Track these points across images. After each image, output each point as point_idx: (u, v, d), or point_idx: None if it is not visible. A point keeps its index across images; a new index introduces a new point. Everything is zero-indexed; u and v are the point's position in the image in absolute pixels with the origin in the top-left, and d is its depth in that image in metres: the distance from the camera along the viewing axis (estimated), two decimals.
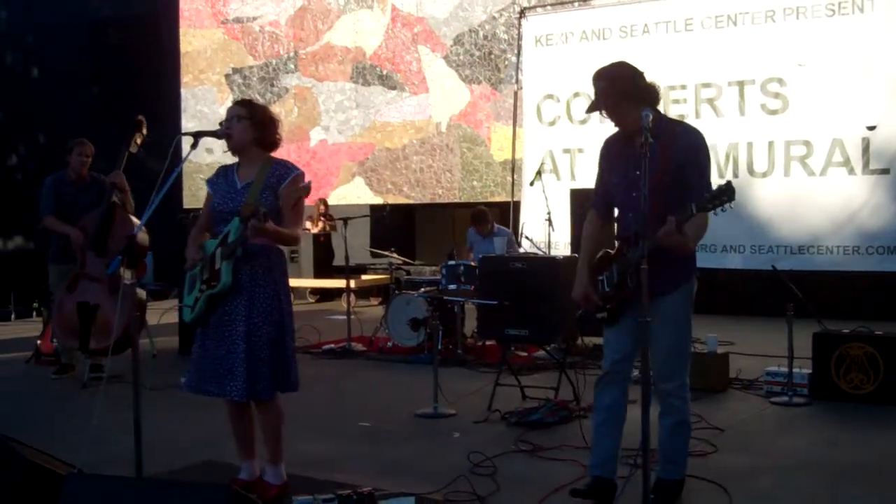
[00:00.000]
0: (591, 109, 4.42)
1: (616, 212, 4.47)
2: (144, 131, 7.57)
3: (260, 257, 4.51)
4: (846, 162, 10.51)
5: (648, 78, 4.33)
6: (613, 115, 4.30)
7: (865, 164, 10.41)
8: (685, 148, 4.14)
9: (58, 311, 7.58)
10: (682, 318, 4.24)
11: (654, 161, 3.98)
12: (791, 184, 10.84)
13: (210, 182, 4.75)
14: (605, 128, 13.27)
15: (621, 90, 4.21)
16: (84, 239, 7.40)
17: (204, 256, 4.54)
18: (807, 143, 10.70)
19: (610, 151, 4.48)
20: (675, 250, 4.04)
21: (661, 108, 12.15)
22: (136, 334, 4.18)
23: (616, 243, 4.42)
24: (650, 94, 4.24)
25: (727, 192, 3.82)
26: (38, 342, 8.76)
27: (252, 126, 4.57)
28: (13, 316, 13.82)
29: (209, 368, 4.50)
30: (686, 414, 4.39)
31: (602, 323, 4.38)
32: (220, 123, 4.65)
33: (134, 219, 7.50)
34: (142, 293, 7.57)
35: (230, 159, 4.75)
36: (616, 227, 4.49)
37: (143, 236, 7.48)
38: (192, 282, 4.61)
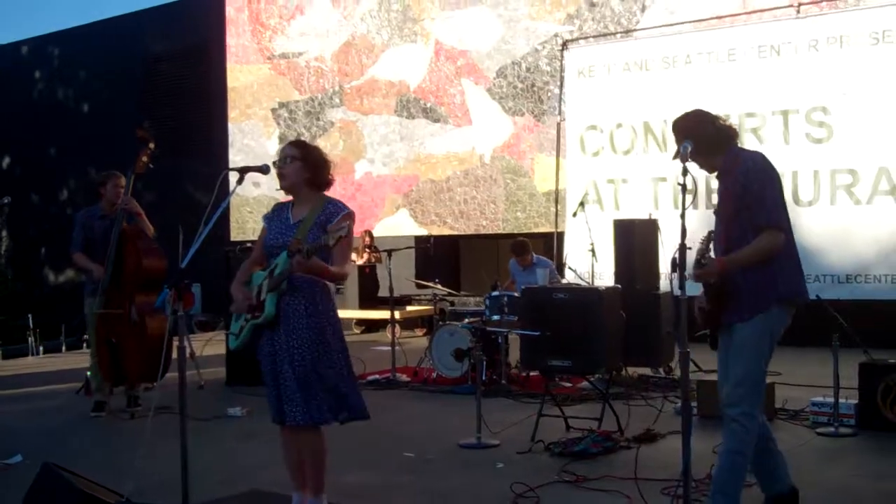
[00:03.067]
0: (675, 157, 4.50)
1: None
2: (151, 146, 7.66)
3: (304, 290, 4.58)
4: (893, 190, 10.42)
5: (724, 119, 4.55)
6: (696, 161, 4.47)
7: None
8: (742, 176, 4.26)
9: (94, 347, 7.79)
10: (750, 348, 4.30)
11: (724, 195, 4.38)
12: (837, 213, 10.75)
13: (266, 218, 4.87)
14: (648, 159, 13.35)
15: (693, 140, 4.37)
16: (103, 274, 7.59)
17: (251, 286, 4.64)
18: (852, 172, 10.62)
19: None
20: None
21: None
22: (184, 365, 4.25)
23: None
24: (725, 136, 4.47)
25: None
26: (88, 374, 8.89)
27: (304, 167, 4.67)
28: (64, 348, 14.04)
29: (270, 396, 4.62)
30: (743, 445, 4.29)
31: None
32: (274, 163, 4.76)
33: (148, 244, 7.68)
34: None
35: (277, 193, 4.84)
36: None
37: (157, 263, 7.67)
38: None
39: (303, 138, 12.11)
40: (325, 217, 4.61)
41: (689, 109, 4.60)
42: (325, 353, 4.58)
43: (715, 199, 11.25)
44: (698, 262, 4.27)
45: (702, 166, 4.52)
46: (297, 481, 4.79)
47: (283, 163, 4.68)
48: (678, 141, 4.46)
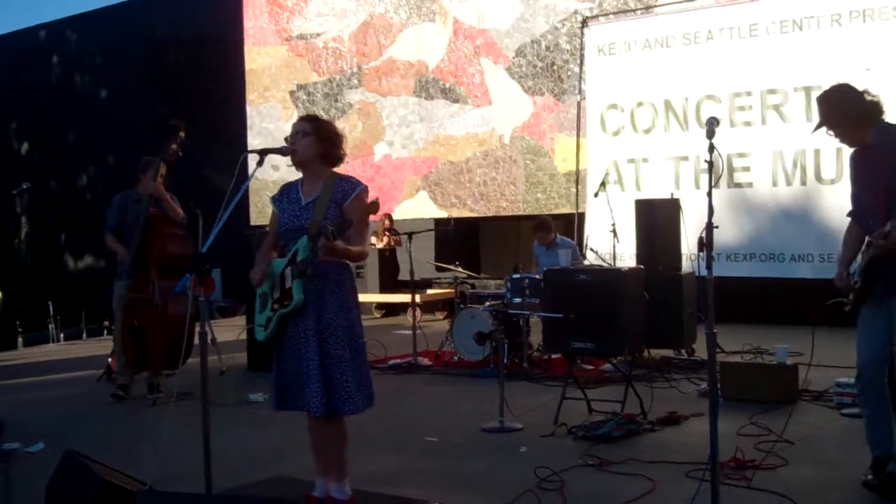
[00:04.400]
0: (815, 129, 4.78)
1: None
2: (182, 135, 7.70)
3: (329, 274, 4.54)
4: None
5: (869, 95, 4.69)
6: (837, 135, 4.71)
7: None
8: None
9: (119, 329, 7.88)
10: None
11: (881, 165, 4.51)
12: None
13: (275, 200, 4.79)
14: (669, 138, 13.16)
15: (840, 113, 4.64)
16: (128, 258, 7.68)
17: (273, 275, 4.60)
18: None
19: (854, 164, 4.83)
20: None
21: (726, 114, 12.01)
22: (206, 351, 4.22)
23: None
24: (876, 110, 4.63)
25: None
26: (109, 360, 8.91)
27: (317, 141, 4.62)
28: (84, 335, 14.09)
29: (291, 386, 4.56)
30: None
31: (848, 314, 4.84)
32: (286, 139, 4.71)
33: (173, 229, 7.74)
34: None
35: (296, 175, 4.81)
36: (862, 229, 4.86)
37: (182, 248, 7.72)
38: (263, 301, 4.66)
39: None
40: (339, 195, 4.56)
41: (835, 83, 4.81)
42: (351, 337, 4.57)
43: (737, 177, 11.23)
44: (889, 234, 4.42)
45: (843, 139, 4.71)
46: (323, 467, 4.77)
47: (294, 138, 4.63)
48: (823, 114, 4.67)
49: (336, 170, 4.74)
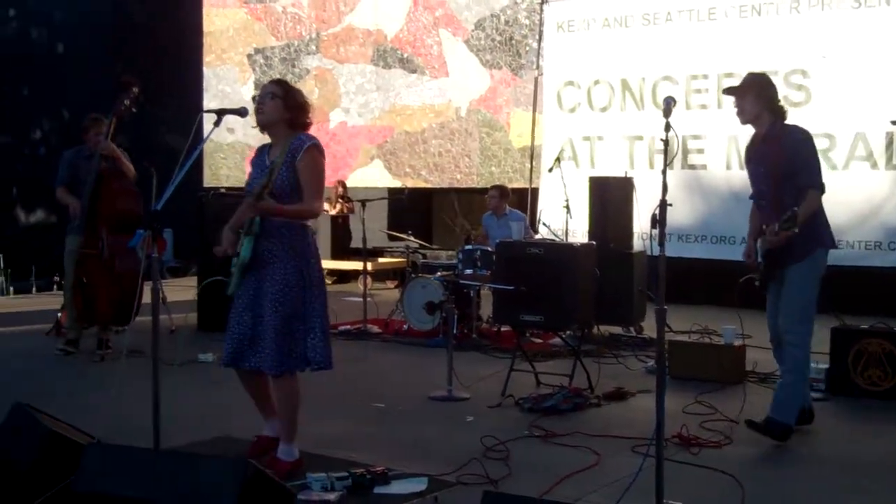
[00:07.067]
0: (726, 90, 5.53)
1: None
2: (136, 91, 7.67)
3: (280, 233, 4.63)
4: (869, 156, 10.41)
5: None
6: (739, 102, 5.37)
7: (889, 159, 10.29)
8: (790, 144, 5.26)
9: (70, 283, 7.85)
10: (804, 282, 5.27)
11: (769, 159, 5.28)
12: None
13: (251, 161, 4.95)
14: (625, 116, 13.18)
15: (757, 85, 5.38)
16: (80, 212, 7.65)
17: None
18: (829, 137, 10.58)
19: (747, 152, 5.64)
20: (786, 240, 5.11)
21: (682, 97, 12.09)
22: (157, 309, 4.21)
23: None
24: (778, 107, 5.40)
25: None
26: (59, 315, 8.83)
27: (284, 106, 4.70)
28: (34, 289, 13.90)
29: (236, 342, 4.67)
30: (800, 363, 5.31)
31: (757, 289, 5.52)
32: (253, 98, 4.83)
33: (124, 185, 7.75)
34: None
35: (251, 139, 4.89)
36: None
37: (132, 205, 7.71)
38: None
39: None
40: (291, 155, 4.65)
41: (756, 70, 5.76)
42: (302, 297, 4.65)
43: (691, 159, 11.34)
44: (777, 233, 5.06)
45: (739, 103, 5.36)
46: (265, 411, 4.95)
47: (263, 99, 4.71)
48: (743, 80, 5.42)
49: None
